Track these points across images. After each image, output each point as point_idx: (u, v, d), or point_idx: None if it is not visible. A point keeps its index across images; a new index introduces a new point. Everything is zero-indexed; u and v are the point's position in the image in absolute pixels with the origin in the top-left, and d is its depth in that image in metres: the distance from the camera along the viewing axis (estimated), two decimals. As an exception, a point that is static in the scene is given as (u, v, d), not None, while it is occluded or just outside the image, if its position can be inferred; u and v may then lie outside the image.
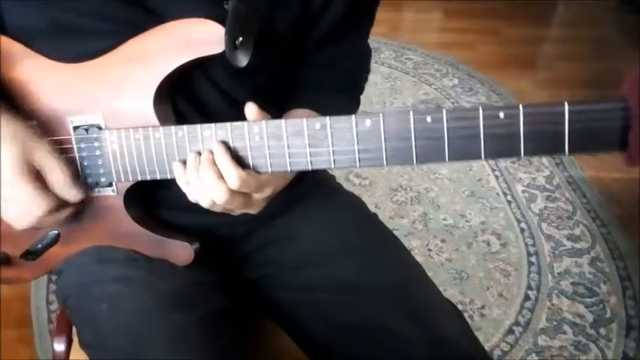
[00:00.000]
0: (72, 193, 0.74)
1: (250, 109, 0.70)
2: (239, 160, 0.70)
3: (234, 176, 0.69)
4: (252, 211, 0.76)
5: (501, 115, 0.60)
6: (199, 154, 0.71)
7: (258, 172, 0.71)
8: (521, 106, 0.59)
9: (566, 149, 0.59)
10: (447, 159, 0.63)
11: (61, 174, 0.73)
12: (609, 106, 0.57)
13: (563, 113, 0.58)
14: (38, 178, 0.72)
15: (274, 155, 0.69)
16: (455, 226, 2.04)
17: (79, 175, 0.76)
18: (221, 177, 0.70)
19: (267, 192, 0.74)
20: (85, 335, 0.83)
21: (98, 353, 0.80)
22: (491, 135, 0.61)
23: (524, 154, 0.60)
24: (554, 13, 3.71)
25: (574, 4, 3.73)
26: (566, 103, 0.58)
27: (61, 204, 0.74)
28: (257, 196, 0.74)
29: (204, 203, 0.72)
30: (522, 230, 2.04)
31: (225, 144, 0.70)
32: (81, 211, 0.79)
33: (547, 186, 2.25)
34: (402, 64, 2.95)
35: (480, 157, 0.61)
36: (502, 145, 0.61)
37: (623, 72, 0.58)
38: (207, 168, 0.70)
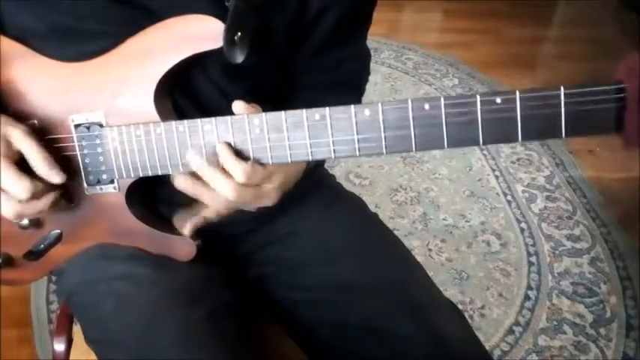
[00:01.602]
0: (53, 174, 0.72)
1: (238, 106, 0.70)
2: (240, 154, 0.71)
3: (240, 170, 0.70)
4: (268, 202, 0.77)
5: (498, 100, 0.60)
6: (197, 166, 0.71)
7: (261, 164, 0.71)
8: (517, 92, 0.60)
9: (563, 132, 0.59)
10: (445, 145, 0.63)
11: (39, 154, 0.71)
12: (604, 90, 0.58)
13: (559, 97, 0.59)
14: (19, 162, 0.71)
15: (275, 147, 0.70)
16: (455, 226, 2.04)
17: (80, 172, 0.76)
18: (227, 174, 0.70)
19: (277, 180, 0.75)
20: (92, 332, 0.83)
21: (105, 349, 0.81)
22: (489, 120, 0.61)
23: (521, 138, 0.60)
24: (554, 13, 3.70)
25: (574, 4, 3.73)
26: (562, 87, 0.59)
27: (44, 189, 0.72)
28: (268, 186, 0.74)
29: (221, 206, 0.74)
30: (522, 230, 2.04)
31: (226, 143, 0.70)
32: (73, 203, 0.78)
33: (547, 186, 2.25)
34: (402, 64, 2.95)
35: (478, 143, 0.62)
36: (500, 130, 0.61)
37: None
38: (212, 170, 0.71)
